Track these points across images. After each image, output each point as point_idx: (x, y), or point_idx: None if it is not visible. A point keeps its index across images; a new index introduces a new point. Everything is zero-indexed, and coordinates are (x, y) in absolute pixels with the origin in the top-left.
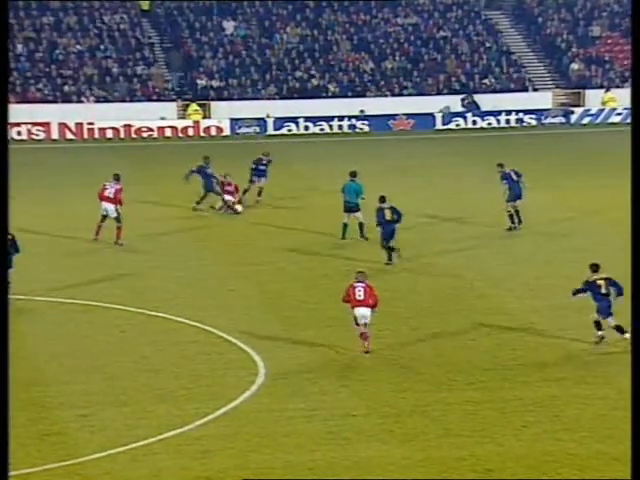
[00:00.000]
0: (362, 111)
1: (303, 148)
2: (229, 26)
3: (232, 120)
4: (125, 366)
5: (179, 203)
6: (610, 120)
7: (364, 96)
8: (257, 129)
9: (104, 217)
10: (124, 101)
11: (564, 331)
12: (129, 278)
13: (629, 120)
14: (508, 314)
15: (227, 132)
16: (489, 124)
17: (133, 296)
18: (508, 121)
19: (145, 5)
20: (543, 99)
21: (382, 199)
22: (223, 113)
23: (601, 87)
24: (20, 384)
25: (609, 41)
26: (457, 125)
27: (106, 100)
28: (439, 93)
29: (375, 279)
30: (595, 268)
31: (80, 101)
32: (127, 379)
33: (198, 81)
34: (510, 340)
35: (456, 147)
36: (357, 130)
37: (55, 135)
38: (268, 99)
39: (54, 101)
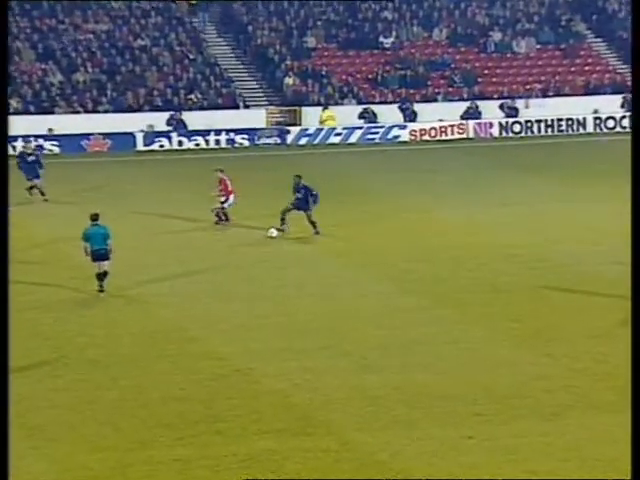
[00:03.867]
0: (50, 130)
1: None
2: None
3: None
4: None
5: None
6: (329, 141)
7: (52, 113)
8: None
9: None
10: None
11: (284, 377)
12: None
13: (350, 140)
14: (222, 359)
15: None
16: (197, 145)
17: None
18: (218, 141)
19: None
20: (256, 117)
21: None
22: None
23: (319, 104)
24: None
25: (325, 53)
26: (161, 146)
27: None
28: (139, 110)
29: (70, 322)
30: None
31: None
32: None
33: None
34: (224, 388)
35: (160, 170)
36: (45, 151)
37: None
38: None
39: None
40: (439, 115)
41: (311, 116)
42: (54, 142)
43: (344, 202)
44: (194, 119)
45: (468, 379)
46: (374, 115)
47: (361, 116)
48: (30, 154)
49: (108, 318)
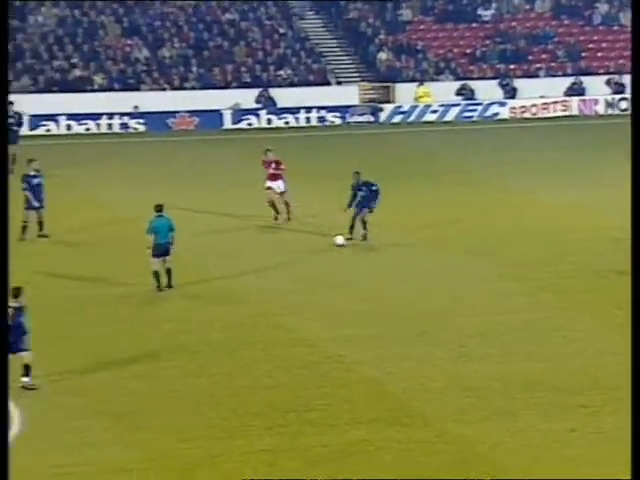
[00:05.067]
0: (136, 107)
1: (65, 151)
2: None
3: None
4: None
5: None
6: (424, 118)
7: (138, 90)
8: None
9: None
10: None
11: (378, 364)
12: None
13: (446, 118)
14: (312, 346)
15: None
16: (286, 123)
17: None
18: (308, 119)
19: None
20: (348, 94)
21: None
22: None
23: (413, 80)
24: None
25: (421, 27)
26: (249, 124)
27: None
28: (227, 86)
29: (155, 308)
30: (16, 293)
31: None
32: None
33: None
34: (314, 376)
35: (248, 149)
36: (130, 130)
37: None
38: (21, 92)
39: None
40: (541, 91)
41: (405, 93)
42: (139, 120)
43: (439, 183)
44: (284, 96)
45: (571, 368)
46: (472, 92)
47: (458, 93)
48: (35, 176)
49: (193, 306)
